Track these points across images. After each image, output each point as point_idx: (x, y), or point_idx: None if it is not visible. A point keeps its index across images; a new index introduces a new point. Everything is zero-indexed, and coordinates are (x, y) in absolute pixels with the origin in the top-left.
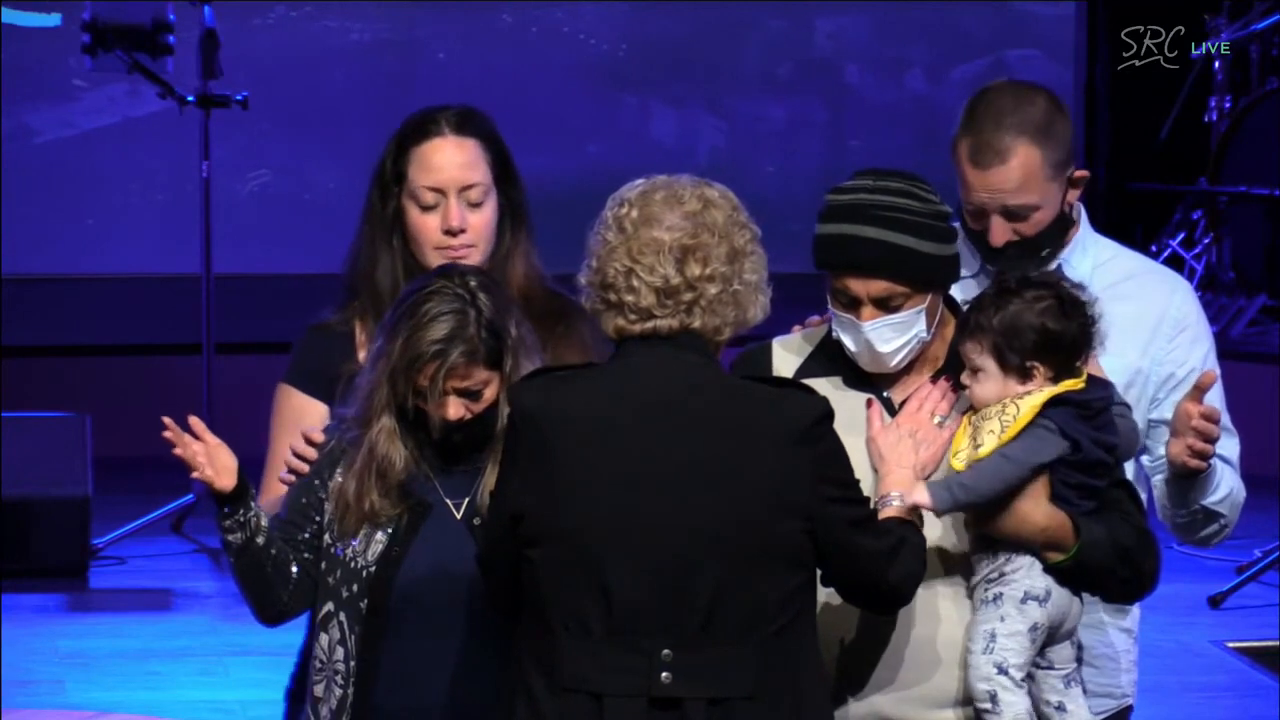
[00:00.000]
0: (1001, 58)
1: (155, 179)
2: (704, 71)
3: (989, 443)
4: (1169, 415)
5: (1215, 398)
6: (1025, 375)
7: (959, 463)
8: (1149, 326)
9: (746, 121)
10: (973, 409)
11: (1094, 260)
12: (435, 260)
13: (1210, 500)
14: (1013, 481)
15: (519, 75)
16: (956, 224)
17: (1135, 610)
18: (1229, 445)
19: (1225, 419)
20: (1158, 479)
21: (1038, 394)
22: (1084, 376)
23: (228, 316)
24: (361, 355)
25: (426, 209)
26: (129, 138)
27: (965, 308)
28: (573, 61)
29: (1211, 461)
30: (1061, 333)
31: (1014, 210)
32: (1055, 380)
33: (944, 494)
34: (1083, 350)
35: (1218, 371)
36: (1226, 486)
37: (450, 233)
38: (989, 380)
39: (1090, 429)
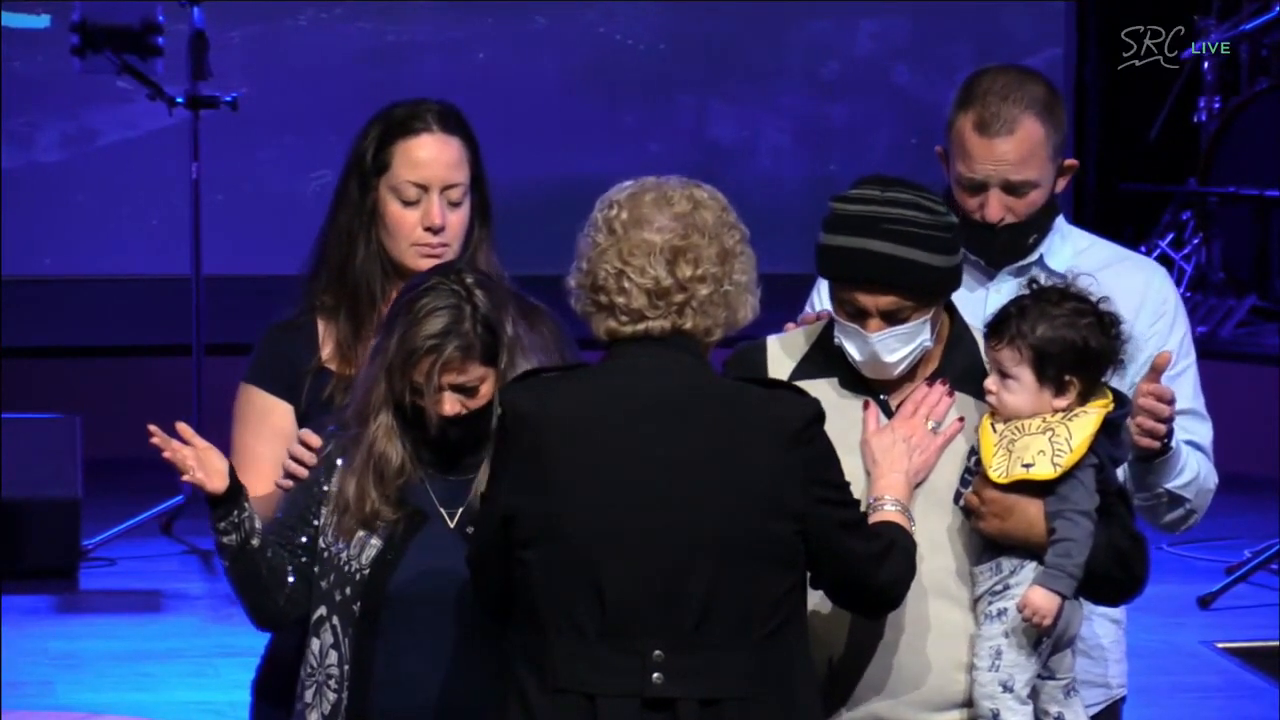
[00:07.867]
0: (1051, 57)
1: (159, 182)
2: (744, 71)
3: (1041, 464)
4: None
5: (1188, 384)
6: (1061, 389)
7: (998, 475)
8: (1129, 312)
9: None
10: (994, 414)
11: (1074, 248)
12: (410, 256)
13: (1174, 484)
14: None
15: (554, 77)
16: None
17: None
18: (1201, 430)
19: (1199, 404)
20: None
21: (1086, 418)
22: (1109, 395)
23: (219, 317)
24: (325, 352)
25: (408, 204)
26: (137, 144)
27: (993, 312)
28: (612, 62)
29: (1175, 445)
30: (1101, 350)
31: (1015, 185)
32: (1083, 396)
33: (1066, 581)
34: (1111, 367)
35: (1193, 355)
36: (1191, 471)
37: (431, 230)
38: (1021, 391)
39: (1112, 446)
